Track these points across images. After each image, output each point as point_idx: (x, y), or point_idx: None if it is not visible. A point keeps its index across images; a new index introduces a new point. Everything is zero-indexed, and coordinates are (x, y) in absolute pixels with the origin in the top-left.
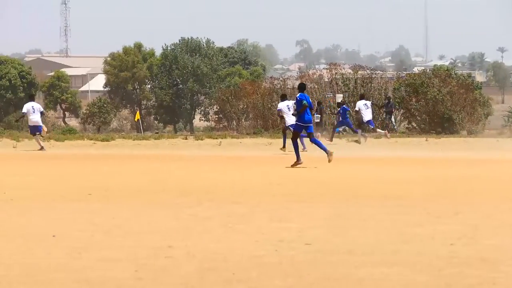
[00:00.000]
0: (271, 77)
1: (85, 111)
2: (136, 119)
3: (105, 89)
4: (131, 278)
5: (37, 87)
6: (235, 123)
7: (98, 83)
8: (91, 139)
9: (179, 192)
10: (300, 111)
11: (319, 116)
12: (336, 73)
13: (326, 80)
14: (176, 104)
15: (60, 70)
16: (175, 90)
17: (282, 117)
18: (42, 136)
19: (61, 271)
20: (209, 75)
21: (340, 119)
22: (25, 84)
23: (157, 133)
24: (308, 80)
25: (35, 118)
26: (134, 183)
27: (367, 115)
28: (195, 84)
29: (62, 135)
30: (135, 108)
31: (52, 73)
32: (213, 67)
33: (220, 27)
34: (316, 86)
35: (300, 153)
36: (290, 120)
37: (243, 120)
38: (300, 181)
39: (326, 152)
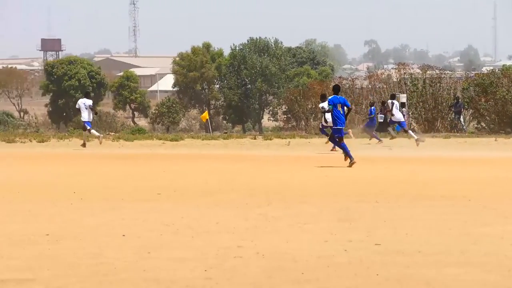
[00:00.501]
0: (339, 77)
1: (154, 111)
2: (204, 119)
3: (174, 89)
4: (200, 278)
5: (106, 87)
6: (303, 123)
7: (167, 83)
8: (160, 139)
9: (248, 192)
10: (327, 112)
11: (383, 116)
12: (404, 73)
13: (395, 80)
14: (245, 104)
15: (129, 70)
16: (244, 90)
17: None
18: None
19: (130, 271)
20: (278, 75)
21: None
22: (94, 84)
23: (226, 133)
24: (376, 80)
25: (85, 115)
26: (203, 183)
27: (396, 114)
28: (263, 84)
29: (131, 135)
30: (204, 108)
31: (121, 73)
32: (281, 67)
33: (288, 27)
34: (385, 86)
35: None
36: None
37: (311, 120)
38: (366, 181)
39: (350, 158)
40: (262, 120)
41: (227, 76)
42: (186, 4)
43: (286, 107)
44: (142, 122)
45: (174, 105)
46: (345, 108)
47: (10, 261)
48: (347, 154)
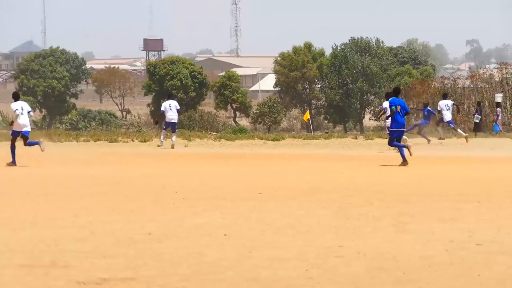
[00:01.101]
0: (441, 77)
1: (255, 111)
2: (305, 119)
3: (275, 89)
4: (302, 277)
5: (208, 87)
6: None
7: (268, 83)
8: (262, 139)
9: (349, 192)
10: (389, 116)
11: (479, 116)
12: (506, 73)
13: (497, 79)
14: (346, 103)
15: (231, 70)
16: (345, 90)
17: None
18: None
19: (232, 270)
20: (379, 74)
21: (426, 120)
22: (196, 84)
23: (327, 132)
24: (478, 79)
25: (171, 115)
26: (304, 182)
27: (447, 115)
28: (364, 84)
29: (233, 134)
30: (305, 107)
31: (223, 73)
32: (382, 66)
33: (390, 27)
34: (487, 86)
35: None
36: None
37: (413, 120)
38: (465, 181)
39: (403, 159)
40: (363, 120)
41: (328, 76)
42: (287, 3)
43: None
44: (244, 122)
45: (276, 105)
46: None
47: (113, 259)
48: (401, 154)
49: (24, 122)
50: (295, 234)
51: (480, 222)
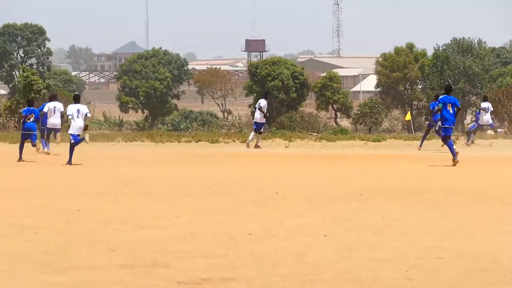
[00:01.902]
0: None
1: (356, 112)
2: (407, 120)
3: (376, 90)
4: (401, 278)
5: (309, 88)
6: (506, 124)
7: (369, 84)
8: (362, 140)
9: (449, 192)
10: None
11: None
12: None
13: None
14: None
15: (332, 70)
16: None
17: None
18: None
19: (332, 271)
20: (481, 75)
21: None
22: (298, 85)
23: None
24: None
25: (259, 116)
26: (405, 183)
27: (486, 116)
28: (466, 84)
29: (334, 135)
30: (406, 108)
31: (324, 74)
32: (484, 67)
33: (493, 27)
34: None
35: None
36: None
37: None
38: None
39: (454, 156)
40: (464, 121)
41: (430, 77)
42: (390, 3)
43: None
44: (345, 123)
45: (377, 106)
46: (455, 108)
47: (213, 260)
48: (451, 152)
49: (79, 125)
50: (395, 235)
51: None
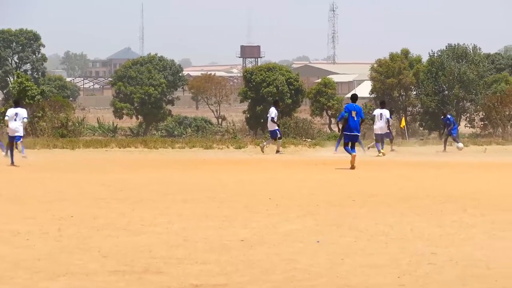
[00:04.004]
0: None
1: None
2: (401, 126)
3: (371, 96)
4: (393, 285)
5: (304, 94)
6: (500, 130)
7: (364, 90)
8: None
9: (443, 199)
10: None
11: None
12: None
13: None
14: (442, 110)
15: (327, 76)
16: (441, 97)
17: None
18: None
19: (324, 277)
20: (475, 81)
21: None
22: (292, 91)
23: (422, 139)
24: None
25: (270, 124)
26: (398, 189)
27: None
28: (461, 91)
29: (327, 141)
30: (401, 114)
31: (319, 80)
32: (479, 73)
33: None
34: None
35: None
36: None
37: (509, 127)
38: None
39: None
40: (458, 127)
41: (424, 83)
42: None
43: (483, 114)
44: None
45: (371, 112)
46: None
47: (206, 266)
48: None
49: (14, 127)
50: (387, 241)
51: None
